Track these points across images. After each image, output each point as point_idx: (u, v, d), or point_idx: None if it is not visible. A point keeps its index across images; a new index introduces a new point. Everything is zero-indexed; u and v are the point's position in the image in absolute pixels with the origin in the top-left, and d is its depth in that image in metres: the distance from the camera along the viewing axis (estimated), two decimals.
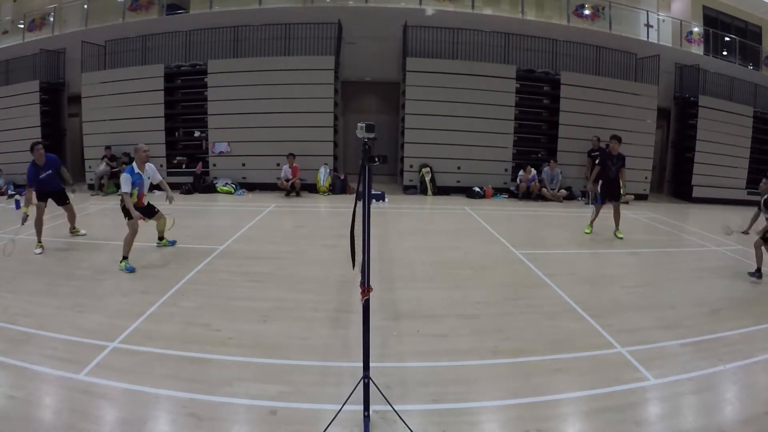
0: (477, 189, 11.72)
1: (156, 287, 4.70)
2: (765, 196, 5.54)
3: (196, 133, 12.35)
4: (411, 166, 12.09)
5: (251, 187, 11.85)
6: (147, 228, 5.67)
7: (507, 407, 2.86)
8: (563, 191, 11.70)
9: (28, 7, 14.53)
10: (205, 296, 4.52)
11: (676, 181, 13.92)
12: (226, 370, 3.21)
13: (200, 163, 11.78)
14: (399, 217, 9.08)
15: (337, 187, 11.76)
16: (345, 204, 9.96)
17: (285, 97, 11.63)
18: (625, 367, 3.35)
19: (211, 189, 11.47)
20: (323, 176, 11.62)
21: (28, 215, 5.99)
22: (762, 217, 5.66)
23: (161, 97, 11.92)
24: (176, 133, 12.70)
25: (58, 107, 13.28)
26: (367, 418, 2.57)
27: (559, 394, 3.01)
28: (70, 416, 2.66)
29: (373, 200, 9.80)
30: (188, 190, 11.35)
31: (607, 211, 7.68)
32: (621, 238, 7.38)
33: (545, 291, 4.94)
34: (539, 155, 12.60)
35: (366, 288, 2.53)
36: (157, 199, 6.34)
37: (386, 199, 10.56)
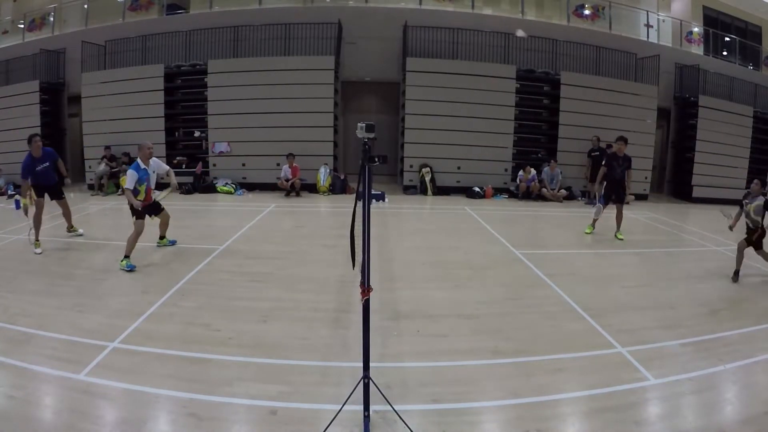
0: (477, 189, 11.73)
1: (156, 287, 4.70)
2: (755, 202, 5.43)
3: (196, 133, 12.36)
4: (411, 166, 12.10)
5: (251, 187, 11.86)
6: (148, 228, 5.67)
7: (507, 407, 2.86)
8: (563, 191, 11.71)
9: (28, 7, 14.53)
10: (205, 296, 4.52)
11: (676, 181, 13.92)
12: (226, 370, 3.21)
13: (200, 163, 11.79)
14: (399, 217, 9.08)
15: (337, 187, 11.77)
16: (345, 204, 9.96)
17: (285, 97, 11.63)
18: (625, 367, 3.35)
19: (211, 189, 11.47)
20: (323, 176, 11.62)
21: (28, 206, 5.97)
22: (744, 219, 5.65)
23: (161, 97, 11.92)
24: (176, 133, 12.70)
25: (58, 107, 13.29)
26: (367, 418, 2.56)
27: (559, 394, 3.01)
28: (70, 416, 2.66)
29: (373, 200, 9.81)
30: (188, 190, 11.35)
31: (609, 211, 7.68)
32: (621, 239, 7.37)
33: (545, 291, 4.93)
34: (539, 155, 12.61)
35: (366, 288, 2.53)
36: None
37: (386, 199, 10.56)
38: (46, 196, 6.37)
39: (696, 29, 14.73)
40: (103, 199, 10.54)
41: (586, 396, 2.98)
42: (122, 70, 12.20)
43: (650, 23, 14.02)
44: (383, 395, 2.65)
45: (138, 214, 5.53)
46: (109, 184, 11.32)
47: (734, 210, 5.88)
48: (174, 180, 6.16)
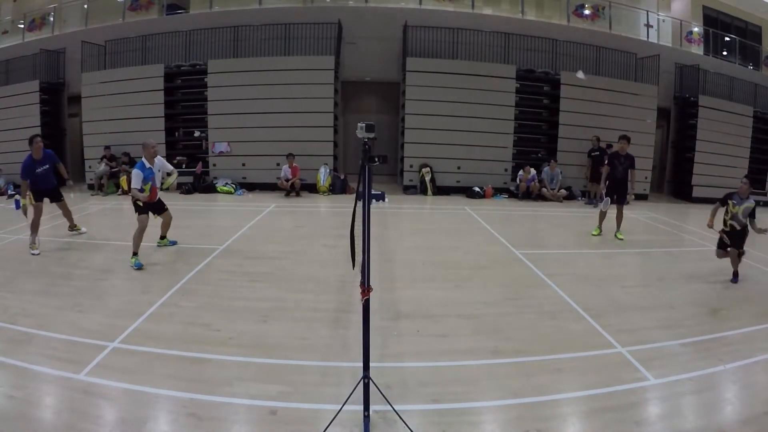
0: (477, 189, 11.72)
1: (156, 287, 4.70)
2: (745, 204, 5.36)
3: (196, 133, 12.35)
4: (411, 166, 12.09)
5: (251, 187, 11.85)
6: (148, 228, 5.67)
7: (507, 407, 2.86)
8: (563, 191, 11.70)
9: (28, 7, 14.53)
10: (205, 296, 4.52)
11: (676, 181, 13.92)
12: (226, 370, 3.21)
13: (200, 163, 11.78)
14: (399, 217, 9.08)
15: (337, 187, 11.76)
16: (345, 204, 9.96)
17: (285, 97, 11.62)
18: (625, 367, 3.35)
19: (211, 189, 11.47)
20: (323, 176, 11.62)
21: (27, 206, 5.97)
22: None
23: (161, 97, 11.92)
24: (176, 133, 12.70)
25: (58, 107, 13.28)
26: (367, 418, 2.56)
27: (559, 394, 3.01)
28: (70, 416, 2.66)
29: (373, 200, 9.80)
30: (188, 190, 11.34)
31: (609, 211, 7.64)
32: (621, 239, 7.37)
33: (545, 291, 4.93)
34: (539, 155, 12.60)
35: (366, 288, 2.53)
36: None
37: (386, 199, 10.55)
38: (46, 200, 6.38)
39: (696, 29, 14.73)
40: (103, 199, 10.54)
41: (586, 396, 2.98)
42: (122, 70, 12.20)
43: (650, 23, 14.02)
44: (383, 395, 2.65)
45: (141, 210, 5.53)
46: (109, 184, 11.32)
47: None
48: (175, 172, 6.13)
